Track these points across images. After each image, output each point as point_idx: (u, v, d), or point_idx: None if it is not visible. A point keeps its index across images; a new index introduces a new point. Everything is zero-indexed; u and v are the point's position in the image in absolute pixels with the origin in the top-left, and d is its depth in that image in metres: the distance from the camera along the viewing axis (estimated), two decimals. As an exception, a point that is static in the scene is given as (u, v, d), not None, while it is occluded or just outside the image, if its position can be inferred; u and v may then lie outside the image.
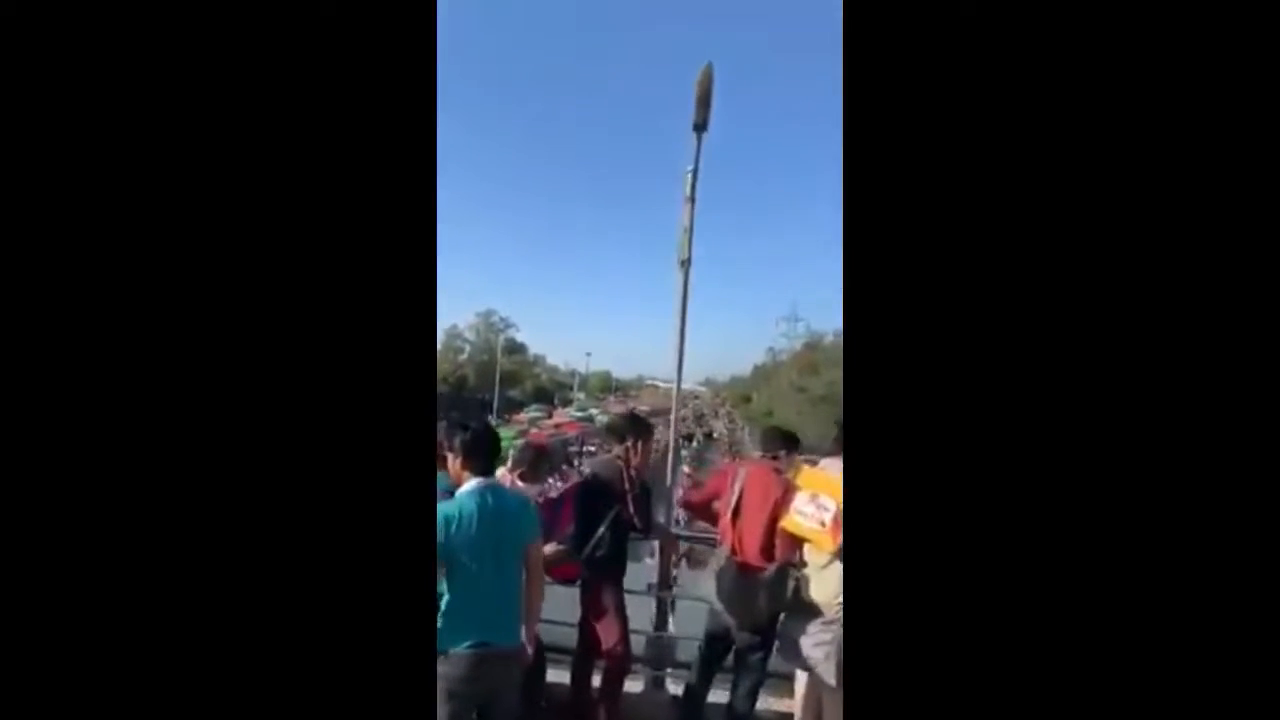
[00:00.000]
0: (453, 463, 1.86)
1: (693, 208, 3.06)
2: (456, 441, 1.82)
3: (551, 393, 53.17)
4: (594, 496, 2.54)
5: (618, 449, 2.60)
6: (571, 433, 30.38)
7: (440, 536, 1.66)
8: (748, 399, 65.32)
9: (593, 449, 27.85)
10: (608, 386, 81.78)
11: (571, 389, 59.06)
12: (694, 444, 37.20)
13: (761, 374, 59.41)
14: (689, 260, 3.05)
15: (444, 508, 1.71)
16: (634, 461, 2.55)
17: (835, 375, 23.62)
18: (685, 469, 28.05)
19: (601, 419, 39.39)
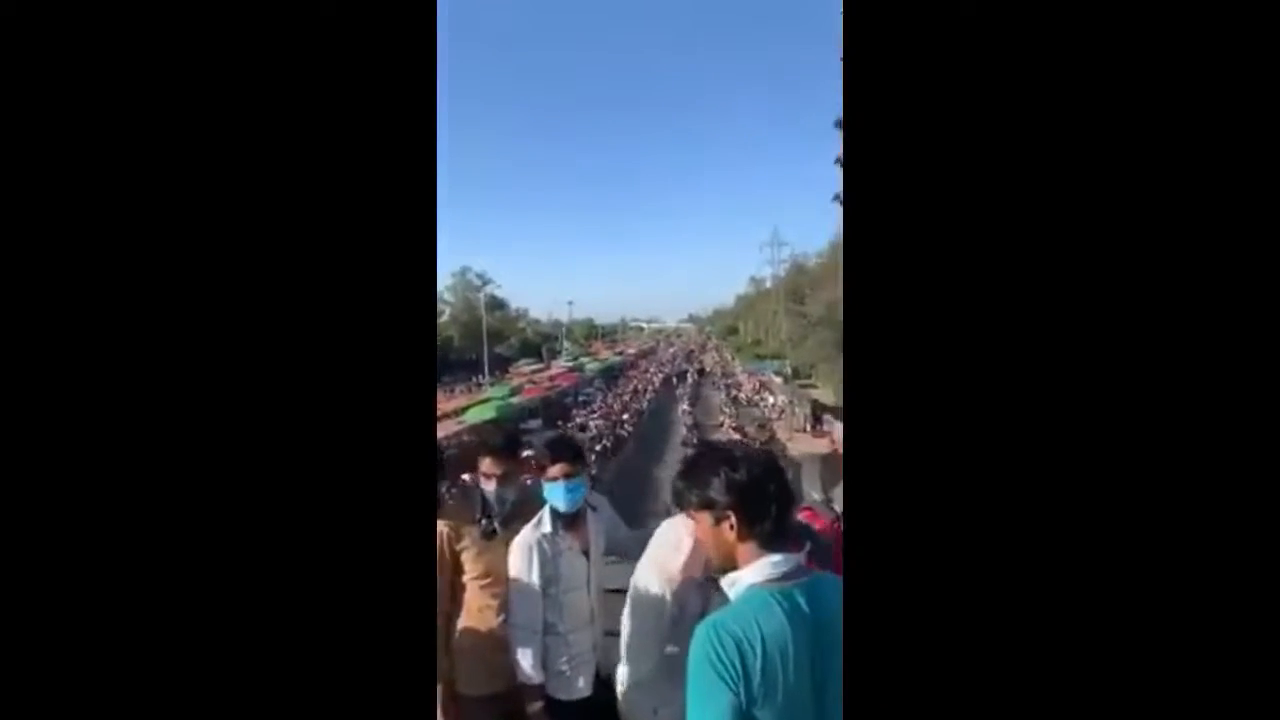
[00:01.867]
0: (712, 533, 0.94)
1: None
2: (718, 491, 0.93)
3: (538, 345, 52.14)
4: None
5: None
6: (567, 384, 29.71)
7: (728, 675, 0.80)
8: (734, 330, 64.65)
9: (586, 398, 27.33)
10: (593, 333, 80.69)
11: (557, 340, 58.04)
12: (688, 380, 36.70)
13: (746, 303, 58.54)
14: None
15: (731, 621, 0.84)
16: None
17: (828, 296, 22.91)
18: (684, 407, 27.71)
19: (592, 366, 38.78)
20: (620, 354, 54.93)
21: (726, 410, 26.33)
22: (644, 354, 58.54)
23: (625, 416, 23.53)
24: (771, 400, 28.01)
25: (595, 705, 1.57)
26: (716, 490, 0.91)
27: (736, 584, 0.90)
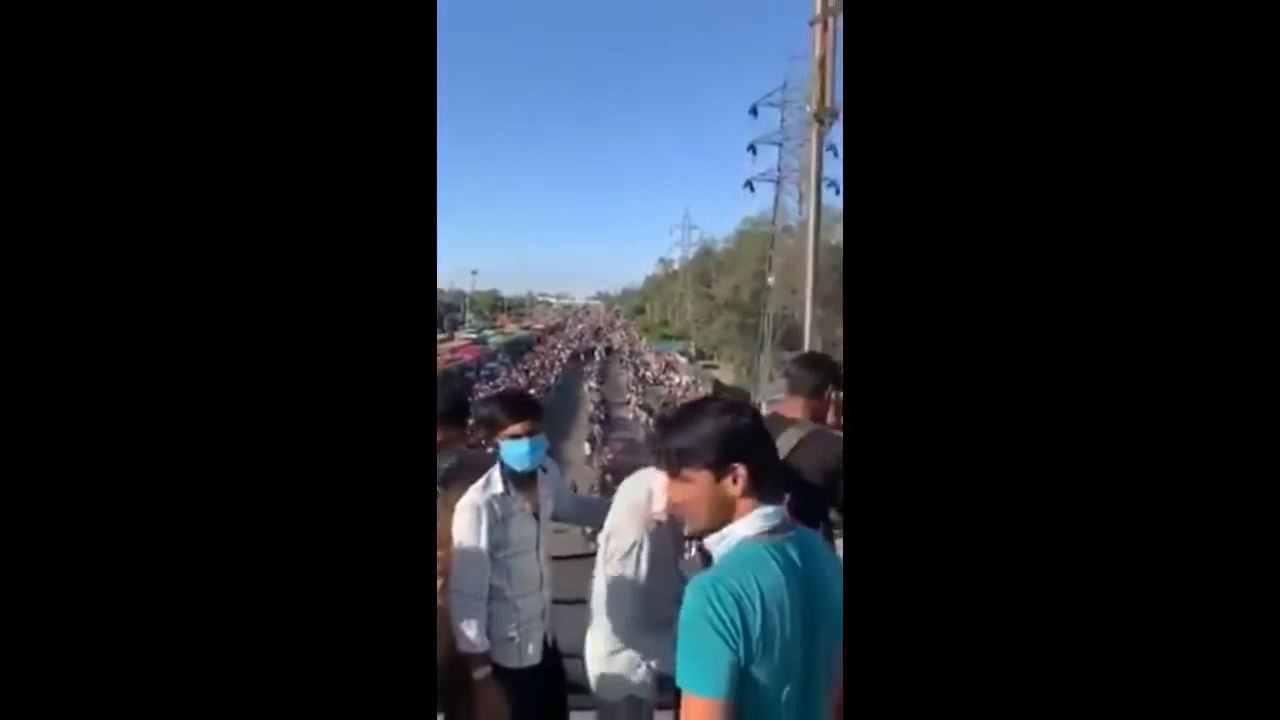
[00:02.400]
0: (711, 489, 0.88)
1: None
2: (721, 444, 0.87)
3: (440, 315, 49.48)
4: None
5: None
6: (468, 357, 28.54)
7: (728, 633, 0.78)
8: (641, 310, 65.43)
9: (489, 372, 26.49)
10: (497, 305, 77.64)
11: (459, 310, 55.39)
12: (596, 358, 36.70)
13: (654, 284, 59.20)
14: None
15: (729, 576, 0.82)
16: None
17: (734, 280, 23.74)
18: (592, 384, 27.70)
19: (496, 339, 37.54)
20: (527, 329, 53.62)
21: (634, 388, 26.70)
22: (551, 329, 57.61)
23: (531, 392, 23.08)
24: (677, 379, 28.78)
25: (545, 671, 1.52)
26: (718, 444, 0.86)
27: (728, 538, 0.86)
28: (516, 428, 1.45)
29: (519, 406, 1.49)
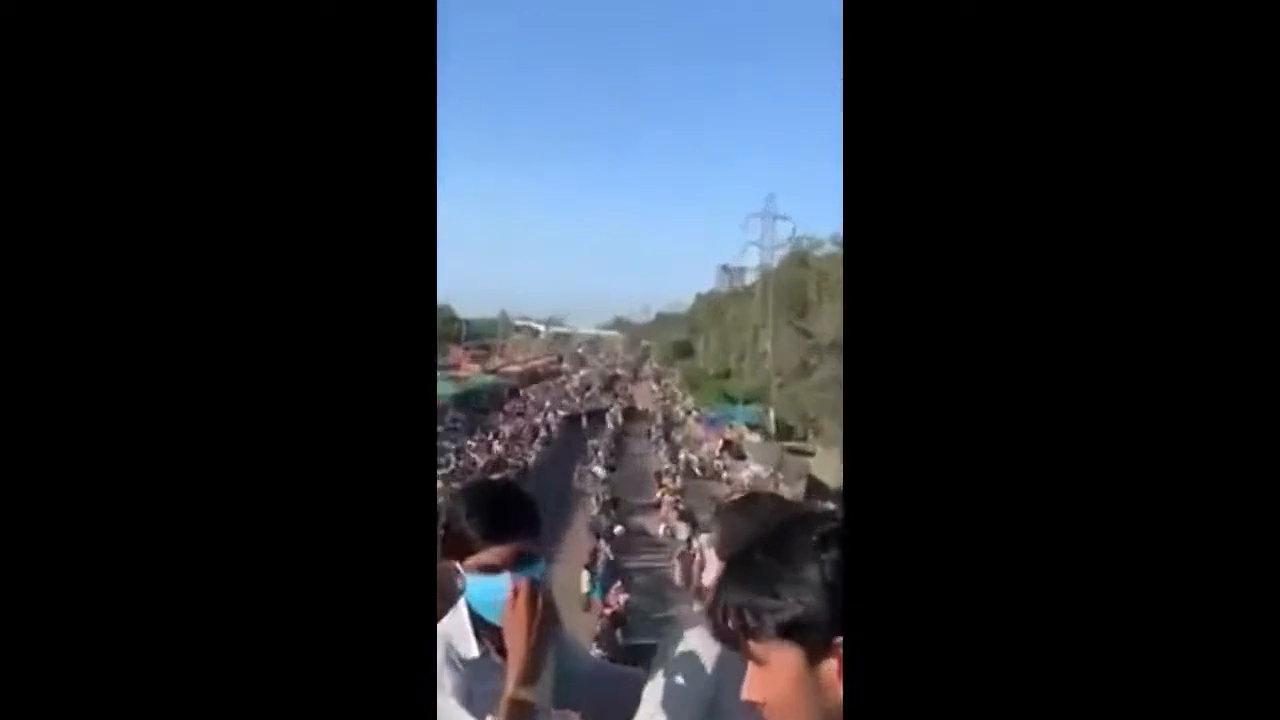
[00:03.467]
0: (803, 676, 0.90)
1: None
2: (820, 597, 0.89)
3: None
4: None
5: None
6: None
7: None
8: (687, 349, 63.17)
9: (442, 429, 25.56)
10: (450, 334, 76.16)
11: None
12: (608, 425, 35.44)
13: (711, 307, 57.23)
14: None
15: None
16: None
17: (842, 308, 22.59)
18: (598, 470, 26.39)
19: (442, 390, 36.82)
20: (494, 372, 53.12)
21: (669, 482, 25.30)
22: (535, 375, 57.12)
23: (510, 481, 22.07)
24: (745, 472, 27.25)
25: None
26: (825, 598, 0.86)
27: None
28: (491, 554, 1.44)
29: (498, 517, 1.48)
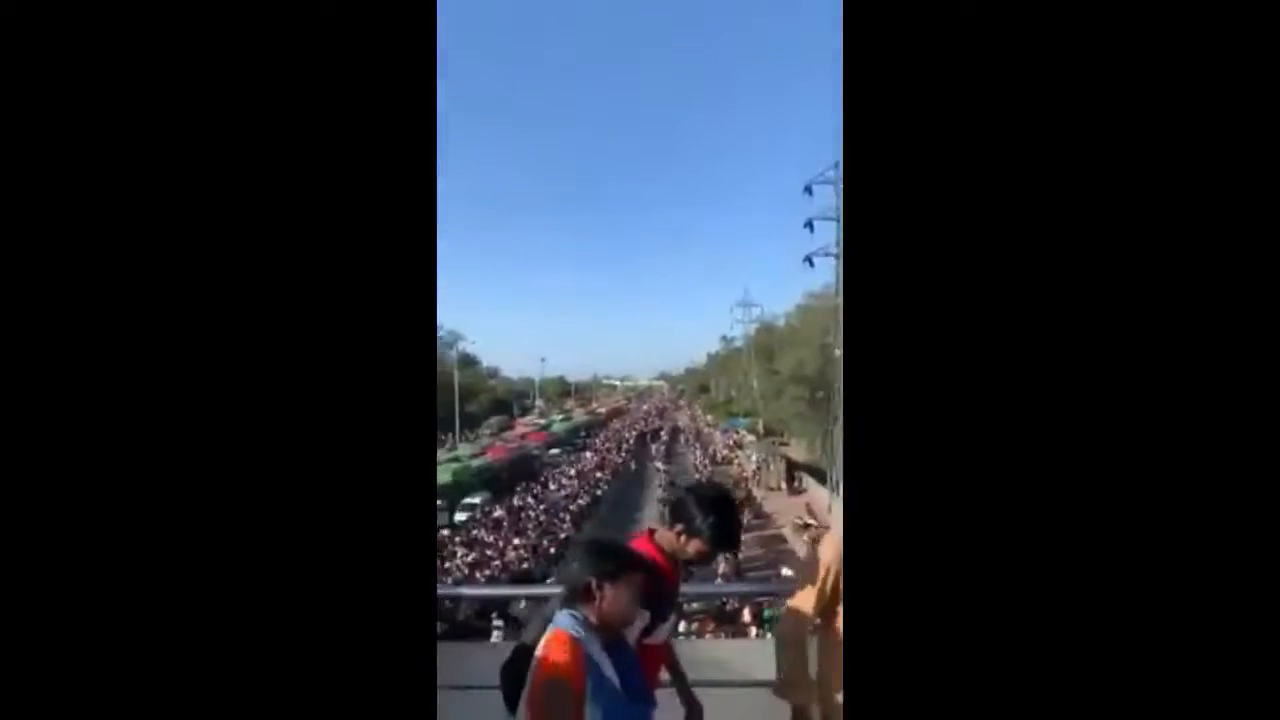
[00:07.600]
0: None
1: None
2: None
3: (510, 404, 51.40)
4: None
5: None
6: (535, 443, 29.18)
7: None
8: (705, 388, 65.20)
9: (553, 459, 26.80)
10: (565, 391, 80.00)
11: (529, 397, 57.35)
12: (662, 437, 36.52)
13: (717, 362, 59.30)
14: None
15: None
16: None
17: (797, 355, 23.45)
18: (660, 465, 27.39)
19: (560, 425, 38.30)
20: (592, 412, 54.53)
21: (701, 469, 26.15)
22: (615, 412, 58.21)
23: (599, 475, 23.15)
24: (745, 457, 27.99)
25: None
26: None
27: None
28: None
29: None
